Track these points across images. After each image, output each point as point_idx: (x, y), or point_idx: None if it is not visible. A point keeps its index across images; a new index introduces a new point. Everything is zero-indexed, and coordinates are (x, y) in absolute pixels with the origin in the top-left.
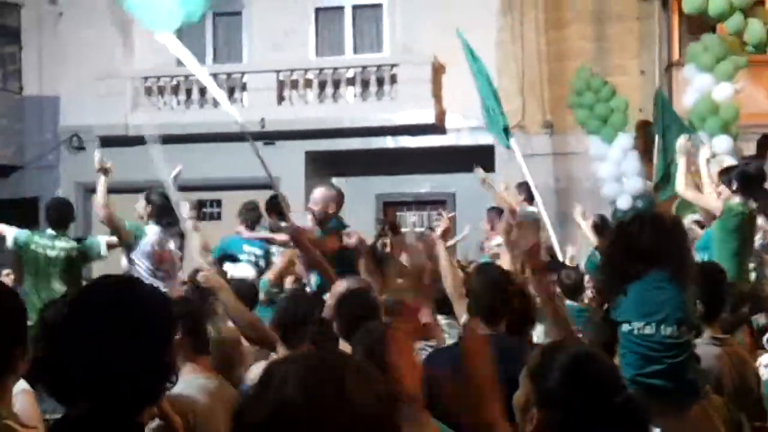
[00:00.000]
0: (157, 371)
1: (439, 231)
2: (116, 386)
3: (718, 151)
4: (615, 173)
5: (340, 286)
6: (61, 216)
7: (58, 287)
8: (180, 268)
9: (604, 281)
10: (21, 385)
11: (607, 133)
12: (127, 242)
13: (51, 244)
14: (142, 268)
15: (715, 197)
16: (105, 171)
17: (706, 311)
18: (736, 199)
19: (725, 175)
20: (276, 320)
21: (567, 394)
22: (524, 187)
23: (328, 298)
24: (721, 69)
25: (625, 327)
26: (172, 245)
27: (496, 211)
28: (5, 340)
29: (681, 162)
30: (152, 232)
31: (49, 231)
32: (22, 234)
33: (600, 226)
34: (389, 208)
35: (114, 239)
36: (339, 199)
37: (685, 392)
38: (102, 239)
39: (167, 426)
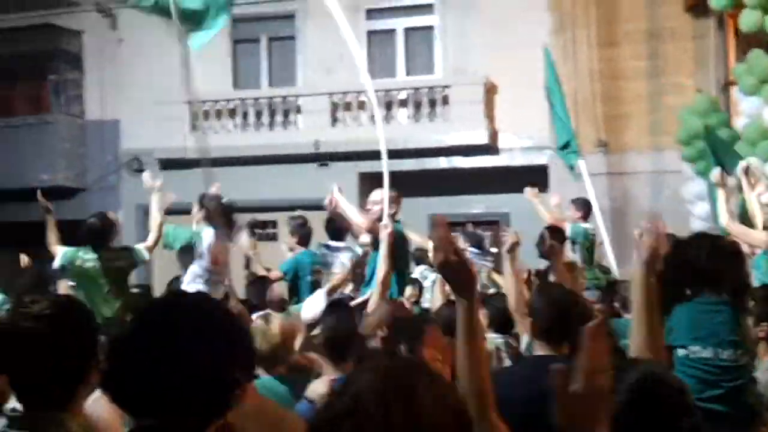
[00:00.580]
0: (223, 386)
1: (506, 246)
2: (181, 399)
3: None
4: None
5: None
6: (96, 234)
7: (110, 297)
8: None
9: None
10: (96, 393)
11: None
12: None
13: (93, 257)
14: (198, 269)
15: (760, 233)
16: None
17: None
18: None
19: None
20: (323, 338)
21: (634, 415)
22: (580, 203)
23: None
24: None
25: (681, 351)
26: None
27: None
28: (80, 353)
29: (720, 194)
30: (207, 235)
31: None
32: (69, 251)
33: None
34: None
35: (150, 243)
36: (397, 199)
37: (744, 417)
38: (141, 246)
39: None
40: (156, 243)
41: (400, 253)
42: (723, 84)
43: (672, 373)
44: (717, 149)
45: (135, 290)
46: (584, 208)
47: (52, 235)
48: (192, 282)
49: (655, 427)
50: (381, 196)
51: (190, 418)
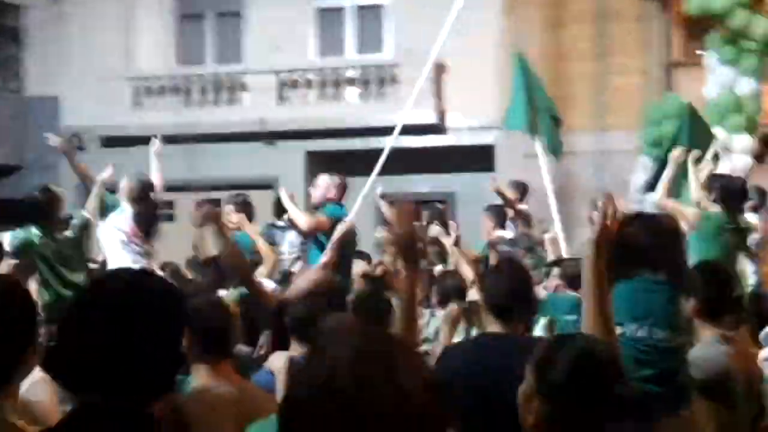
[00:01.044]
0: (169, 363)
1: (451, 239)
2: (127, 377)
3: (737, 148)
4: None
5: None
6: (42, 210)
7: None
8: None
9: None
10: (38, 374)
11: None
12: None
13: (39, 234)
14: (115, 238)
15: (691, 210)
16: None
17: (713, 310)
18: (715, 209)
19: (711, 182)
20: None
21: (571, 386)
22: (516, 185)
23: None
24: (745, 63)
25: (618, 330)
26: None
27: (494, 210)
28: (18, 338)
29: (668, 171)
30: (128, 209)
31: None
32: (19, 234)
33: None
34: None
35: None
36: (340, 186)
37: (676, 397)
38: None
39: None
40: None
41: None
42: (666, 65)
43: (602, 344)
44: (694, 128)
45: (92, 265)
46: (520, 189)
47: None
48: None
49: (592, 395)
50: (325, 181)
51: (134, 396)
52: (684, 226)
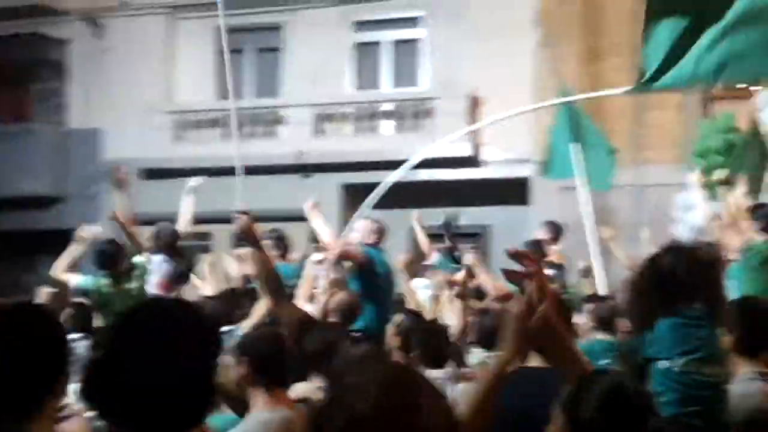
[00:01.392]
0: (200, 394)
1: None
2: (160, 410)
3: None
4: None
5: None
6: (109, 259)
7: None
8: None
9: (633, 315)
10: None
11: None
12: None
13: (107, 282)
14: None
15: (737, 238)
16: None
17: (751, 347)
18: (760, 238)
19: (756, 211)
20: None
21: (603, 423)
22: (550, 226)
23: None
24: None
25: (663, 364)
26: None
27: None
28: (49, 367)
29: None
30: (156, 262)
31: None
32: (89, 280)
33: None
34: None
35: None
36: (378, 230)
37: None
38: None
39: None
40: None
41: (377, 283)
42: (703, 99)
43: (633, 380)
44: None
45: None
46: (554, 230)
47: (63, 262)
48: None
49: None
50: (363, 226)
51: (166, 425)
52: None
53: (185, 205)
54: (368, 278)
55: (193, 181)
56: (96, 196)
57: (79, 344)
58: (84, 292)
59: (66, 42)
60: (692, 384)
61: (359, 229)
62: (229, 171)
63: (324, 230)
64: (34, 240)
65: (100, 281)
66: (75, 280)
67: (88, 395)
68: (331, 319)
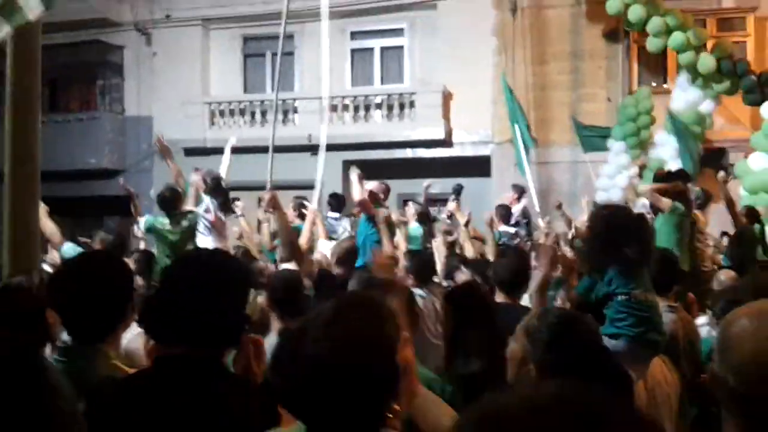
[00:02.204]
0: (236, 321)
1: (465, 218)
2: (203, 332)
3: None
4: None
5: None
6: (168, 202)
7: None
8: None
9: (589, 260)
10: (136, 329)
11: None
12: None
13: (167, 221)
14: (202, 226)
15: (666, 200)
16: (166, 150)
17: (662, 286)
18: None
19: (670, 178)
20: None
21: (556, 343)
22: (516, 187)
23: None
24: (710, 89)
25: (622, 297)
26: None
27: (501, 208)
28: (121, 297)
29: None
30: (207, 201)
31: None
32: (149, 219)
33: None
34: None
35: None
36: (385, 191)
37: (663, 342)
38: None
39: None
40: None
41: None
42: (627, 94)
43: (584, 315)
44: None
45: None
46: (518, 191)
47: (135, 209)
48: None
49: (578, 356)
50: (375, 188)
51: (209, 347)
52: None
53: (226, 158)
54: (375, 225)
55: (232, 140)
56: (149, 168)
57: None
58: (148, 228)
59: (122, 47)
60: (644, 308)
61: (376, 188)
62: (251, 150)
63: (358, 192)
64: (100, 205)
65: (159, 219)
66: (141, 221)
67: (147, 319)
68: (337, 265)
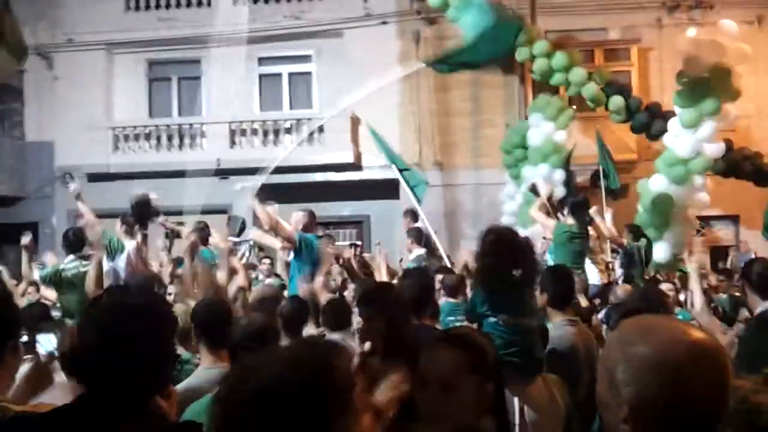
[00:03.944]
0: (162, 362)
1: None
2: (130, 372)
3: (557, 180)
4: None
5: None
6: (78, 242)
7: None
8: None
9: (478, 279)
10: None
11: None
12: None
13: (74, 264)
14: (122, 272)
15: (551, 222)
16: (78, 195)
17: (561, 300)
18: (569, 221)
19: (561, 203)
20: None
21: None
22: (409, 213)
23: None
24: (560, 119)
25: (491, 320)
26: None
27: (414, 231)
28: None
29: (539, 195)
30: (129, 246)
31: (71, 256)
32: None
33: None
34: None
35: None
36: (311, 219)
37: (533, 366)
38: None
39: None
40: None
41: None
42: (524, 119)
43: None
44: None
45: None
46: (413, 215)
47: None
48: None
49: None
50: (296, 217)
51: (134, 388)
52: (546, 233)
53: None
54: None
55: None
56: (51, 195)
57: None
58: (46, 278)
59: (22, 71)
60: (511, 332)
61: (294, 220)
62: (157, 175)
63: (264, 216)
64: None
65: (59, 266)
66: (36, 273)
67: (72, 371)
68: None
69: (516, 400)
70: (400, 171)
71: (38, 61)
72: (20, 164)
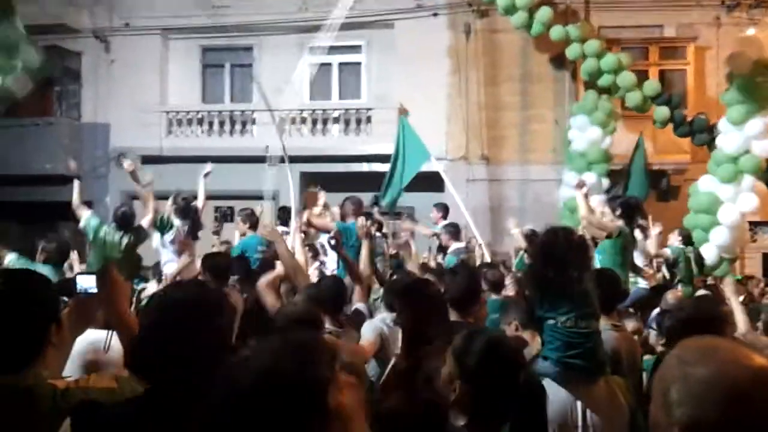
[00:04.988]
0: (222, 354)
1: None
2: (191, 366)
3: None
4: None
5: None
6: (124, 218)
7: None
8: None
9: (529, 281)
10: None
11: None
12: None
13: (119, 235)
14: (170, 250)
15: (612, 224)
16: (133, 173)
17: (606, 305)
18: (621, 224)
19: (612, 202)
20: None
21: (483, 372)
22: (440, 206)
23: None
24: (608, 124)
25: (551, 322)
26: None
27: (450, 226)
28: (38, 320)
29: (578, 194)
30: (177, 224)
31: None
32: (95, 220)
33: (530, 236)
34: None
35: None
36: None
37: (596, 369)
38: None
39: None
40: (153, 221)
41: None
42: (572, 116)
43: (508, 338)
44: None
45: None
46: (443, 210)
47: (77, 197)
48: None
49: (500, 380)
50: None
51: (196, 380)
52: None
53: (201, 188)
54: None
55: (207, 167)
56: (105, 175)
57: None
58: (86, 227)
59: (80, 54)
60: (572, 334)
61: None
62: (207, 159)
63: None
64: (53, 210)
65: (104, 226)
66: (86, 214)
67: (133, 368)
68: None
69: (579, 403)
70: (393, 168)
71: (96, 44)
72: (76, 145)
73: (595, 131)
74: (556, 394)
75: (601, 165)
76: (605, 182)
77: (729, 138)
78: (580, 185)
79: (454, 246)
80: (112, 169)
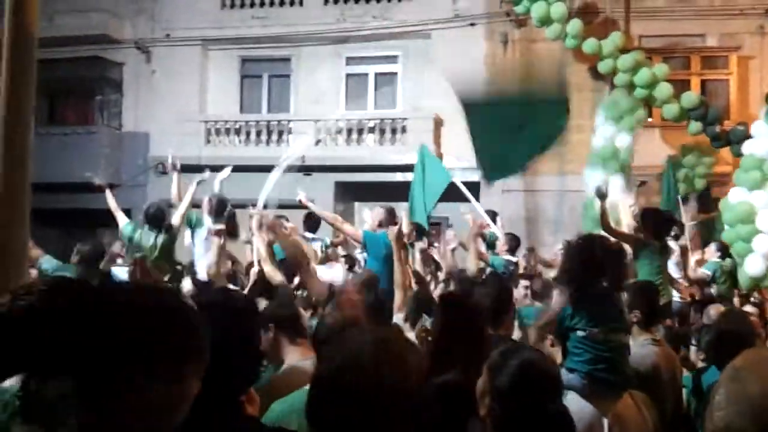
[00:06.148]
0: (250, 360)
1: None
2: (222, 370)
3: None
4: None
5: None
6: (155, 218)
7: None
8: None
9: (564, 287)
10: None
11: None
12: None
13: (151, 235)
14: (201, 248)
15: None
16: (174, 166)
17: (646, 320)
18: (641, 236)
19: (644, 216)
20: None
21: (512, 395)
22: (490, 213)
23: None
24: (626, 121)
25: (581, 333)
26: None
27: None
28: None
29: (601, 203)
30: (208, 223)
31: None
32: (131, 226)
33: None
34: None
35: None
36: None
37: (622, 383)
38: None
39: None
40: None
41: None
42: None
43: (547, 359)
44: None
45: (178, 266)
46: (491, 215)
47: (113, 203)
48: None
49: (529, 407)
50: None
51: (228, 385)
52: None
53: (217, 182)
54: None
55: (225, 173)
56: (143, 184)
57: None
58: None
59: (121, 64)
60: (602, 348)
61: (373, 215)
62: (244, 168)
63: (350, 228)
64: (93, 217)
65: (137, 230)
66: (122, 222)
67: None
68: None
69: (605, 420)
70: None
71: (137, 55)
72: (116, 153)
73: (610, 128)
74: (582, 409)
75: (613, 162)
76: (618, 180)
77: (759, 142)
78: (600, 194)
79: (506, 258)
80: (150, 178)
